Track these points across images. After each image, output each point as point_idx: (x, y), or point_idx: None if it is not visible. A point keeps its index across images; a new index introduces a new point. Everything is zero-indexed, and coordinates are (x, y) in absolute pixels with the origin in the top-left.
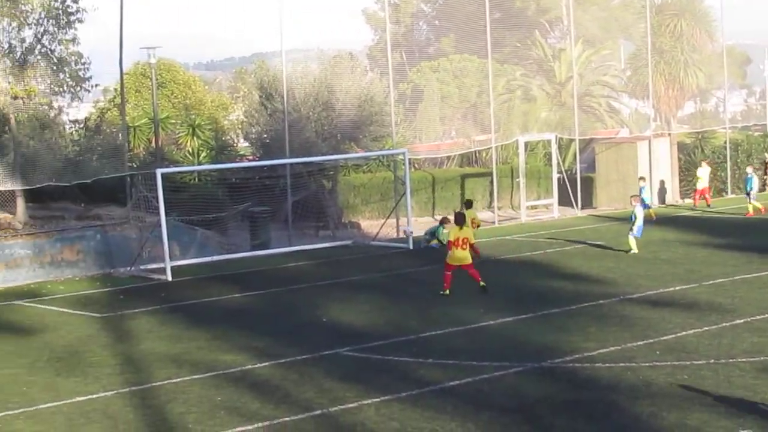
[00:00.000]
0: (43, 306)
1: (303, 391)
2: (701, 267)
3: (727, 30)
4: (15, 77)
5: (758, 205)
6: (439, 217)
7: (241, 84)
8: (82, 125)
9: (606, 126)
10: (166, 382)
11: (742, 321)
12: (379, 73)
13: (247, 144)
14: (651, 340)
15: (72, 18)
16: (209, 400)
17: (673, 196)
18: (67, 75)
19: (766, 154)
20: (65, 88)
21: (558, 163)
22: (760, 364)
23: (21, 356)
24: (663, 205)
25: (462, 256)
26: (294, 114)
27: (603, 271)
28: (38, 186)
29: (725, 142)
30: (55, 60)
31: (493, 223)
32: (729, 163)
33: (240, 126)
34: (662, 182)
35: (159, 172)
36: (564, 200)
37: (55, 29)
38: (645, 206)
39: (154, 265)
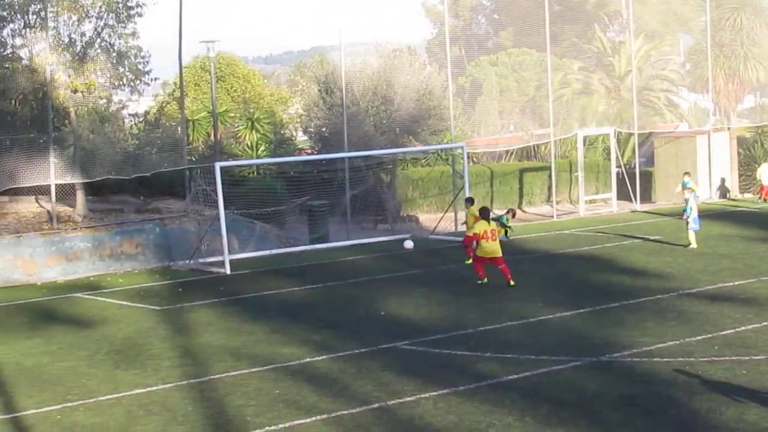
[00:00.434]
0: (102, 298)
1: (361, 385)
2: (760, 262)
3: None
4: (75, 71)
5: None
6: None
7: (300, 78)
8: (141, 119)
9: (665, 120)
10: (224, 374)
11: None
12: (438, 66)
13: (305, 137)
14: (709, 335)
15: (132, 12)
16: (267, 393)
17: (732, 190)
18: (127, 69)
19: None
20: (125, 81)
21: (617, 157)
22: None
23: (81, 348)
24: (723, 200)
25: (492, 248)
26: (352, 108)
27: (661, 266)
28: (98, 179)
29: None
30: (115, 54)
31: (552, 217)
32: None
33: (299, 119)
34: (723, 179)
35: (218, 165)
36: (623, 195)
37: (115, 23)
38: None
39: (212, 259)
